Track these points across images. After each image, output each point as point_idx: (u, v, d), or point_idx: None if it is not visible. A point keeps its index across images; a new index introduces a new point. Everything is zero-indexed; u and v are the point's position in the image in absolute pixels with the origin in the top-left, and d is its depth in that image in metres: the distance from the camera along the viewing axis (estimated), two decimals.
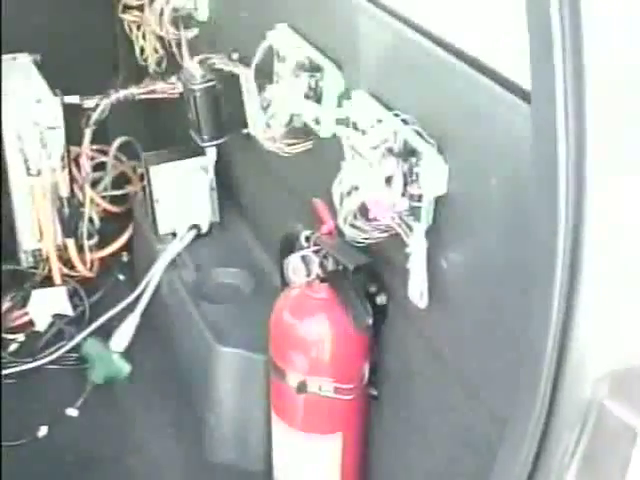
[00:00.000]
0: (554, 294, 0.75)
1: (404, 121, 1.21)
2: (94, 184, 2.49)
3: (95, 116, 2.26)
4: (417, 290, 1.23)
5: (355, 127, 1.31)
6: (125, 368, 2.15)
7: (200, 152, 2.12)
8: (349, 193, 1.31)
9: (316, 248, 1.45)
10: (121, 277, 2.47)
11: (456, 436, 1.33)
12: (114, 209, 2.52)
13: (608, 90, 0.75)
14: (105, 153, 2.55)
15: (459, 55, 1.16)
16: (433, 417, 1.38)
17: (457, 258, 1.19)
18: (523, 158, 0.97)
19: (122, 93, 2.27)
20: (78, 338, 2.22)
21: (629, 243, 0.79)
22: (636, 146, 0.77)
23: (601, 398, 0.86)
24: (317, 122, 1.47)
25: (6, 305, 2.32)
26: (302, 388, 1.47)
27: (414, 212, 1.19)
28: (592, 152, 0.76)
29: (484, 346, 1.18)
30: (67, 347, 2.22)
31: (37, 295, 2.31)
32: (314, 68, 1.47)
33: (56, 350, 2.23)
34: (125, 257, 2.51)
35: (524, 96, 1.01)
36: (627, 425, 0.85)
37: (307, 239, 1.46)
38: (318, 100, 1.46)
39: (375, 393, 1.54)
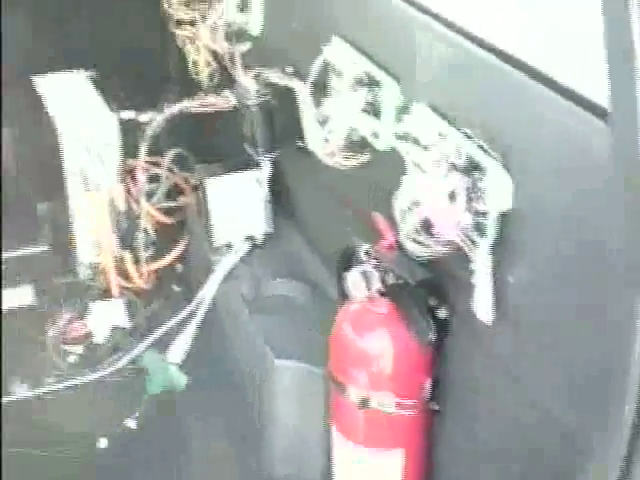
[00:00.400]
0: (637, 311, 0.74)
1: (467, 135, 1.20)
2: (148, 196, 2.52)
3: (150, 130, 2.30)
4: (482, 305, 1.21)
5: (416, 141, 1.31)
6: (182, 380, 2.18)
7: (254, 164, 2.13)
8: (411, 208, 1.30)
9: (376, 263, 1.44)
10: (176, 288, 2.50)
11: (522, 453, 1.32)
12: (168, 220, 2.55)
13: None
14: (158, 165, 2.57)
15: (523, 68, 1.15)
16: (498, 433, 1.37)
17: (523, 273, 1.18)
18: (594, 174, 0.95)
19: (176, 107, 2.29)
20: (136, 350, 2.25)
21: None
22: None
23: None
24: (375, 136, 1.47)
25: (65, 317, 2.36)
26: (364, 403, 1.46)
27: (478, 227, 1.18)
28: None
29: (551, 362, 1.16)
30: (125, 359, 2.26)
31: (96, 307, 2.35)
32: (372, 82, 1.47)
33: (114, 362, 2.28)
34: (180, 268, 2.54)
35: (596, 111, 0.99)
36: None
37: (367, 253, 1.46)
38: (376, 114, 1.46)
39: (437, 408, 1.53)
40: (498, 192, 1.15)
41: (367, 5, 1.55)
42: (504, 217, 1.17)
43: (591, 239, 0.99)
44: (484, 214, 1.17)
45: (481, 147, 1.17)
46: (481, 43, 1.22)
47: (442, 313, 1.43)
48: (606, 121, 0.84)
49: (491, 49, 1.20)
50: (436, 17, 1.34)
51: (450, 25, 1.30)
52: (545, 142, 1.08)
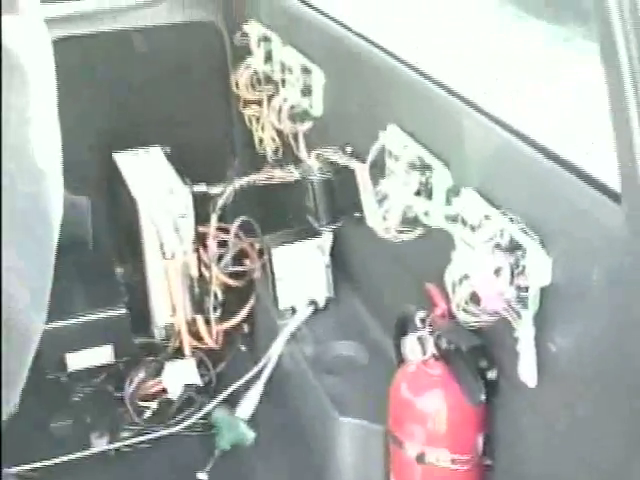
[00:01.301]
0: None
1: (510, 218, 1.36)
2: (217, 260, 2.70)
3: (221, 202, 2.49)
4: (527, 371, 1.35)
5: (464, 222, 1.46)
6: (250, 434, 2.32)
7: (316, 233, 2.30)
8: (460, 281, 1.45)
9: (430, 329, 1.59)
10: (243, 348, 2.66)
11: None
12: (235, 283, 2.72)
13: None
14: (226, 232, 2.76)
15: (556, 159, 1.30)
16: None
17: (563, 342, 1.32)
18: (618, 253, 1.10)
19: (245, 180, 2.49)
20: (208, 407, 2.41)
21: None
22: None
23: None
24: (427, 215, 1.63)
25: (141, 375, 2.54)
26: (421, 459, 1.60)
27: (522, 300, 1.33)
28: None
29: (594, 423, 1.29)
30: (197, 415, 2.42)
31: (170, 366, 2.52)
32: (424, 166, 1.64)
33: (187, 417, 2.44)
34: (246, 328, 2.70)
35: (615, 198, 1.14)
36: None
37: (422, 320, 1.61)
38: (428, 195, 1.63)
39: (490, 463, 1.65)
40: (538, 269, 1.30)
41: (419, 96, 1.73)
42: (544, 291, 1.31)
43: (621, 312, 1.13)
44: (526, 288, 1.31)
45: (522, 229, 1.33)
46: (521, 135, 1.39)
47: (491, 374, 1.57)
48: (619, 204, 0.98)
49: (530, 141, 1.36)
50: (478, 109, 1.51)
51: (491, 116, 1.47)
52: (575, 225, 1.24)
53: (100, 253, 2.69)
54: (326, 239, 2.28)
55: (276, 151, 2.60)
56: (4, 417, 1.68)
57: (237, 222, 2.71)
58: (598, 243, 1.21)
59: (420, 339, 1.58)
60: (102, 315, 2.50)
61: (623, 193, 1.00)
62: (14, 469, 2.24)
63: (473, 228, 1.42)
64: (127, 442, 2.42)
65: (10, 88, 1.46)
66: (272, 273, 2.37)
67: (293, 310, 2.36)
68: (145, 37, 2.72)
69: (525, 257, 1.32)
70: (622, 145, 0.94)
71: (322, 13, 2.23)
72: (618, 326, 1.19)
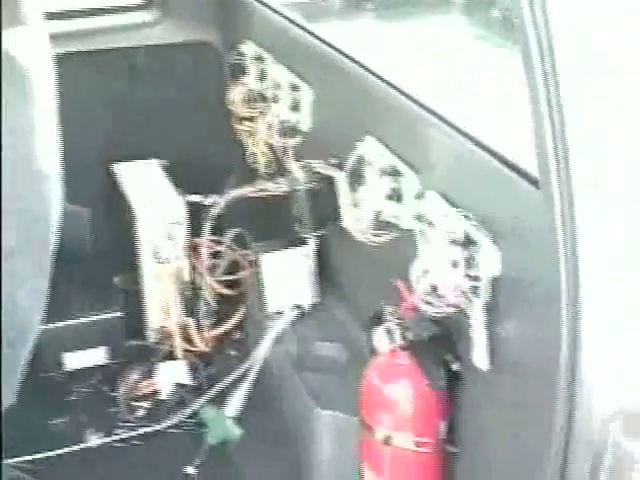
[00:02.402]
0: (563, 345, 1.00)
1: (466, 217, 1.50)
2: (211, 270, 2.83)
3: (214, 212, 2.63)
4: (479, 356, 1.48)
5: (427, 221, 1.60)
6: (237, 431, 2.44)
7: (302, 241, 2.44)
8: (423, 275, 1.59)
9: (398, 321, 1.72)
10: (233, 352, 2.79)
11: None
12: (228, 292, 2.84)
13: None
14: (220, 243, 2.90)
15: (508, 164, 1.45)
16: (498, 471, 1.61)
17: (512, 327, 1.45)
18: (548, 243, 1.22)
19: (238, 192, 2.63)
20: (197, 405, 2.54)
21: (628, 292, 1.02)
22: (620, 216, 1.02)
23: (614, 435, 1.08)
24: (397, 218, 1.77)
25: (135, 376, 2.67)
26: (388, 441, 1.73)
27: (475, 290, 1.46)
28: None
29: (538, 398, 1.41)
30: (187, 413, 2.55)
31: (162, 367, 2.65)
32: (396, 173, 1.78)
33: (177, 416, 2.56)
34: (237, 335, 2.83)
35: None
36: (635, 457, 1.07)
37: (391, 314, 1.74)
38: (399, 199, 1.77)
39: (453, 450, 1.78)
40: (489, 262, 1.44)
41: (393, 111, 1.88)
42: (495, 281, 1.45)
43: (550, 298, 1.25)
44: (478, 279, 1.45)
45: (475, 225, 1.46)
46: (476, 141, 1.53)
47: (455, 366, 1.70)
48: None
49: (483, 147, 1.50)
50: (443, 119, 1.66)
51: (452, 126, 1.62)
52: (521, 223, 1.37)
53: (98, 260, 2.81)
54: (311, 246, 2.41)
55: (268, 165, 2.74)
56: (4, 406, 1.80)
57: (231, 233, 2.87)
58: (542, 238, 1.35)
59: (388, 331, 1.71)
60: (98, 318, 2.63)
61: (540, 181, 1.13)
62: (11, 460, 2.36)
63: (434, 226, 1.56)
64: (120, 437, 2.53)
65: (19, 96, 1.61)
66: (260, 279, 2.51)
67: (279, 314, 2.48)
68: (145, 55, 2.87)
69: (478, 251, 1.45)
70: (538, 137, 1.06)
71: (311, 34, 2.39)
72: (546, 311, 1.30)
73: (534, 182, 1.35)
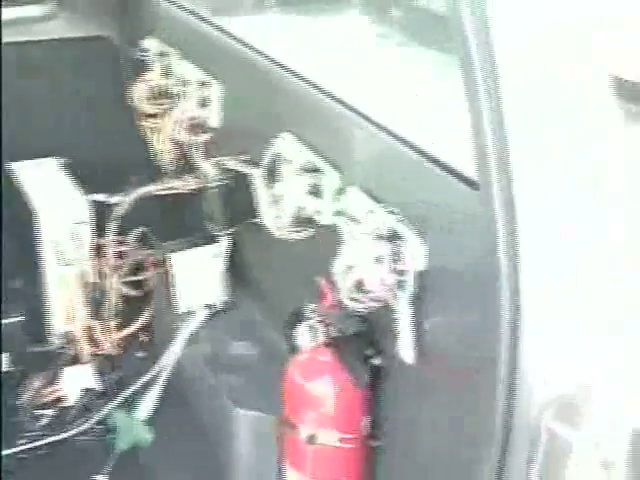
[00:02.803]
0: (502, 335, 1.02)
1: (391, 212, 1.51)
2: (115, 271, 2.75)
3: (119, 211, 2.56)
4: (405, 349, 1.50)
5: (350, 217, 1.61)
6: (149, 435, 2.39)
7: (214, 239, 2.41)
8: (347, 271, 1.59)
9: (321, 318, 1.72)
10: (140, 354, 2.72)
11: (448, 476, 1.57)
12: (132, 293, 2.78)
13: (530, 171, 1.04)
14: (124, 243, 2.82)
15: (429, 158, 1.46)
16: (427, 461, 1.63)
17: (437, 320, 1.47)
18: (478, 239, 1.25)
19: (143, 190, 2.57)
20: (105, 410, 2.46)
21: (563, 285, 1.05)
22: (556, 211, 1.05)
23: (548, 421, 1.11)
24: (318, 213, 1.77)
25: (38, 383, 2.57)
26: (312, 439, 1.72)
27: (400, 284, 1.48)
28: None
29: (463, 389, 1.44)
30: (95, 419, 2.47)
31: (67, 372, 2.56)
32: (314, 169, 1.78)
33: (85, 422, 2.48)
34: (144, 336, 2.76)
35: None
36: (568, 441, 1.10)
37: (313, 311, 1.74)
38: (319, 195, 1.76)
39: (375, 444, 1.79)
40: (414, 256, 1.45)
41: (310, 105, 1.87)
42: (420, 275, 1.46)
43: (482, 289, 1.28)
44: (404, 273, 1.46)
45: (400, 220, 1.48)
46: (399, 138, 1.54)
47: (376, 360, 1.71)
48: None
49: (406, 143, 1.51)
50: (364, 117, 1.66)
51: (374, 123, 1.63)
52: (445, 216, 1.39)
53: None
54: (223, 244, 2.38)
55: (174, 162, 2.69)
56: None
57: (135, 233, 2.80)
58: (466, 231, 1.37)
59: (311, 328, 1.70)
60: None
61: (479, 182, 1.15)
62: None
63: (358, 222, 1.57)
64: (24, 448, 2.43)
65: None
66: (171, 278, 2.46)
67: (190, 314, 2.44)
68: (42, 50, 2.77)
69: (403, 245, 1.47)
70: (477, 138, 1.08)
71: (219, 29, 2.36)
72: (480, 305, 1.33)
73: (459, 177, 1.38)
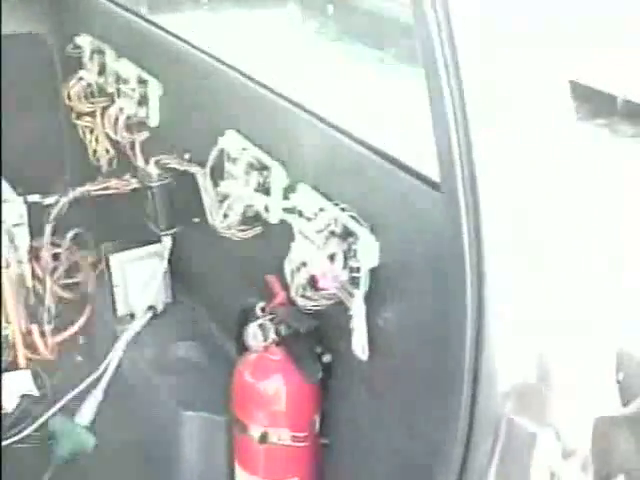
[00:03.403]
0: (466, 334, 1.03)
1: (342, 209, 1.51)
2: (51, 273, 2.69)
3: (54, 212, 2.50)
4: (359, 345, 1.50)
5: (301, 214, 1.60)
6: (90, 441, 2.33)
7: (154, 240, 2.37)
8: (299, 269, 1.58)
9: (271, 317, 1.71)
10: (79, 358, 2.67)
11: (399, 471, 1.58)
12: (69, 295, 2.72)
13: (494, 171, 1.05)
14: (58, 245, 2.76)
15: (382, 155, 1.47)
16: (378, 457, 1.64)
17: (390, 317, 1.47)
18: (438, 237, 1.26)
19: (79, 190, 2.51)
20: (44, 417, 2.40)
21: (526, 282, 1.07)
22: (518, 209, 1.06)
23: (508, 412, 1.13)
24: (267, 210, 1.76)
25: None
26: (264, 438, 1.71)
27: (354, 281, 1.48)
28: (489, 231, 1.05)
29: (417, 385, 1.45)
30: (34, 426, 2.40)
31: (4, 378, 2.48)
32: (262, 167, 1.76)
33: (23, 429, 2.41)
34: (82, 339, 2.71)
35: (435, 186, 1.31)
36: (529, 432, 1.12)
37: (263, 310, 1.73)
38: (267, 193, 1.75)
39: (326, 441, 1.79)
40: (367, 253, 1.46)
41: (256, 103, 1.86)
42: (373, 272, 1.47)
43: (439, 286, 1.29)
44: (358, 270, 1.46)
45: (353, 217, 1.48)
46: (349, 135, 1.54)
47: (326, 358, 1.70)
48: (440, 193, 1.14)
49: (357, 140, 1.52)
50: (312, 114, 1.66)
51: (324, 120, 1.62)
52: (399, 213, 1.40)
53: None
54: (165, 245, 2.35)
55: (111, 162, 2.64)
56: None
57: (70, 234, 2.73)
58: (419, 228, 1.38)
59: (261, 326, 1.69)
60: None
61: (442, 182, 1.15)
62: None
63: (309, 219, 1.56)
64: None
65: None
66: (110, 280, 2.41)
67: (132, 316, 2.40)
68: None
69: (357, 242, 1.47)
70: (440, 139, 1.09)
71: (157, 26, 2.32)
72: (436, 301, 1.35)
73: (410, 172, 1.39)
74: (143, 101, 2.33)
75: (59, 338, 2.62)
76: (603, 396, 1.09)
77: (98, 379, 2.37)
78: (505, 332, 1.05)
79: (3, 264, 2.43)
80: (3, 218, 2.45)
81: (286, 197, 1.68)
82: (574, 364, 1.07)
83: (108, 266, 2.41)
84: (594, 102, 1.89)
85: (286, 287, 1.66)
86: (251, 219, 1.82)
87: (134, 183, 2.43)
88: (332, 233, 1.50)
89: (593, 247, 1.06)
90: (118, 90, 2.45)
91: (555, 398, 1.06)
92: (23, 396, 2.46)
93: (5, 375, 2.49)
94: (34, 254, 2.56)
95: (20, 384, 2.49)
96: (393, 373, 1.53)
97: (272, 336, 1.69)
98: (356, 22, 2.71)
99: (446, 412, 1.20)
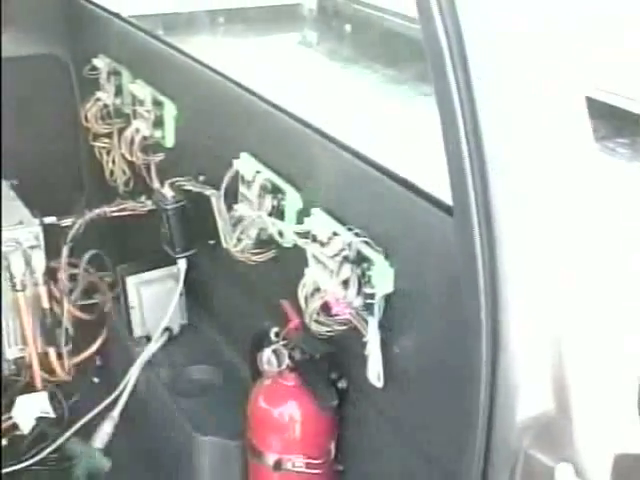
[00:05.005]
0: (482, 365, 1.01)
1: (357, 234, 1.49)
2: (68, 294, 2.69)
3: (71, 234, 2.50)
4: (374, 373, 1.48)
5: (315, 239, 1.58)
6: (106, 463, 2.32)
7: (170, 261, 2.36)
8: (313, 294, 1.56)
9: (285, 342, 1.69)
10: (96, 380, 2.66)
11: None
12: (86, 317, 2.72)
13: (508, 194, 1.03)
14: (76, 266, 2.76)
15: (397, 179, 1.45)
16: None
17: (406, 344, 1.45)
18: (451, 262, 1.24)
19: (96, 211, 2.51)
20: (61, 439, 2.39)
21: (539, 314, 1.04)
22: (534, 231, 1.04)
23: (526, 445, 1.10)
24: (280, 235, 1.74)
25: None
26: (278, 466, 1.69)
27: (368, 307, 1.46)
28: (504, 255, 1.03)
29: (434, 415, 1.42)
30: (51, 448, 2.39)
31: (21, 401, 2.48)
32: (276, 190, 1.75)
33: (40, 451, 2.41)
34: (99, 361, 2.70)
35: (449, 211, 1.29)
36: (547, 466, 1.09)
37: (277, 334, 1.71)
38: (281, 217, 1.74)
39: (341, 468, 1.76)
40: (382, 279, 1.43)
41: (270, 126, 1.85)
42: (388, 298, 1.44)
43: (456, 313, 1.27)
44: (372, 296, 1.44)
45: (367, 243, 1.46)
46: (364, 159, 1.53)
47: (341, 384, 1.68)
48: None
49: (372, 164, 1.50)
50: (327, 137, 1.64)
51: (339, 144, 1.61)
52: (414, 238, 1.38)
53: None
54: (180, 267, 2.34)
55: (127, 183, 2.64)
56: None
57: (87, 256, 2.74)
58: (433, 252, 1.36)
59: (275, 352, 1.67)
60: None
61: (455, 206, 1.13)
62: None
63: (323, 244, 1.54)
64: None
65: None
66: (126, 302, 2.40)
67: (148, 338, 2.39)
68: None
69: (371, 268, 1.45)
70: (453, 163, 1.07)
71: (173, 47, 2.32)
72: (452, 328, 1.33)
73: (425, 197, 1.37)
74: (158, 122, 2.33)
75: (76, 360, 2.62)
76: (625, 431, 1.06)
77: (114, 401, 2.36)
78: (523, 360, 1.03)
79: (19, 287, 2.43)
80: (20, 240, 2.45)
81: (300, 221, 1.66)
82: (595, 396, 1.04)
83: (124, 288, 2.41)
84: (615, 120, 1.86)
85: (300, 312, 1.64)
86: (265, 242, 1.81)
87: (149, 205, 2.44)
88: (346, 258, 1.48)
89: (613, 273, 1.03)
90: (134, 111, 2.45)
91: (575, 431, 1.03)
92: (40, 418, 2.46)
93: (21, 397, 2.49)
94: (51, 275, 2.57)
95: (37, 406, 2.48)
96: (408, 400, 1.50)
97: (286, 361, 1.67)
98: (374, 42, 2.69)
99: (461, 441, 1.18)
